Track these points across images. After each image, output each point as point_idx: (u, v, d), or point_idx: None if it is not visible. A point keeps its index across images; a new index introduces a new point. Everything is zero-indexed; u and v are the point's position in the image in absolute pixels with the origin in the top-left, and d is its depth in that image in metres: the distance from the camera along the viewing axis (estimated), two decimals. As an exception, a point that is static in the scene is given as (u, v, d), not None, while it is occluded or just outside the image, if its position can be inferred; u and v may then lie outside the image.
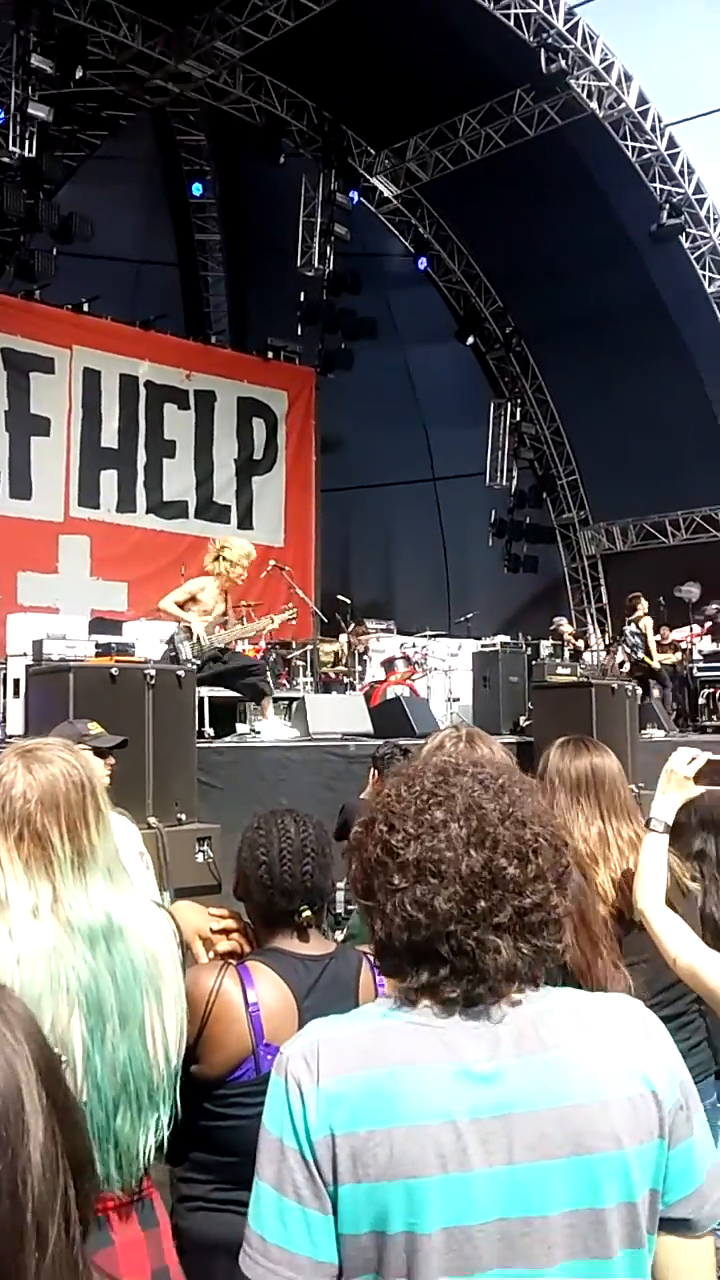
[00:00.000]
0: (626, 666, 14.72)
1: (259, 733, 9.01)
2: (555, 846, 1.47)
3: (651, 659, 14.34)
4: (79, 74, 13.74)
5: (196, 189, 19.37)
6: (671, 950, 2.64)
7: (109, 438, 17.09)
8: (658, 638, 15.68)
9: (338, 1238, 1.36)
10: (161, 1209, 2.25)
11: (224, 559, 8.69)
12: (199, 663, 8.33)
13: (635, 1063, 1.43)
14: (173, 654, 8.48)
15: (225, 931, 2.59)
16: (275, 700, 9.80)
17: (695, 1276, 1.46)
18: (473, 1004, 1.42)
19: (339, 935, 3.93)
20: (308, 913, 2.49)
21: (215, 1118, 2.35)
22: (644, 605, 14.60)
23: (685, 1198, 1.44)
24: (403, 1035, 1.41)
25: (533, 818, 1.47)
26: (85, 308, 16.54)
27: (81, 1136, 1.06)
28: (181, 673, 6.80)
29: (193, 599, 8.78)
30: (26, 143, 13.62)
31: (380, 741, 6.27)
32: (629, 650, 14.85)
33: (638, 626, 14.68)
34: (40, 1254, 0.95)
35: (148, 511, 17.56)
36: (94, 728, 4.34)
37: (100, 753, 4.10)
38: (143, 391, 17.49)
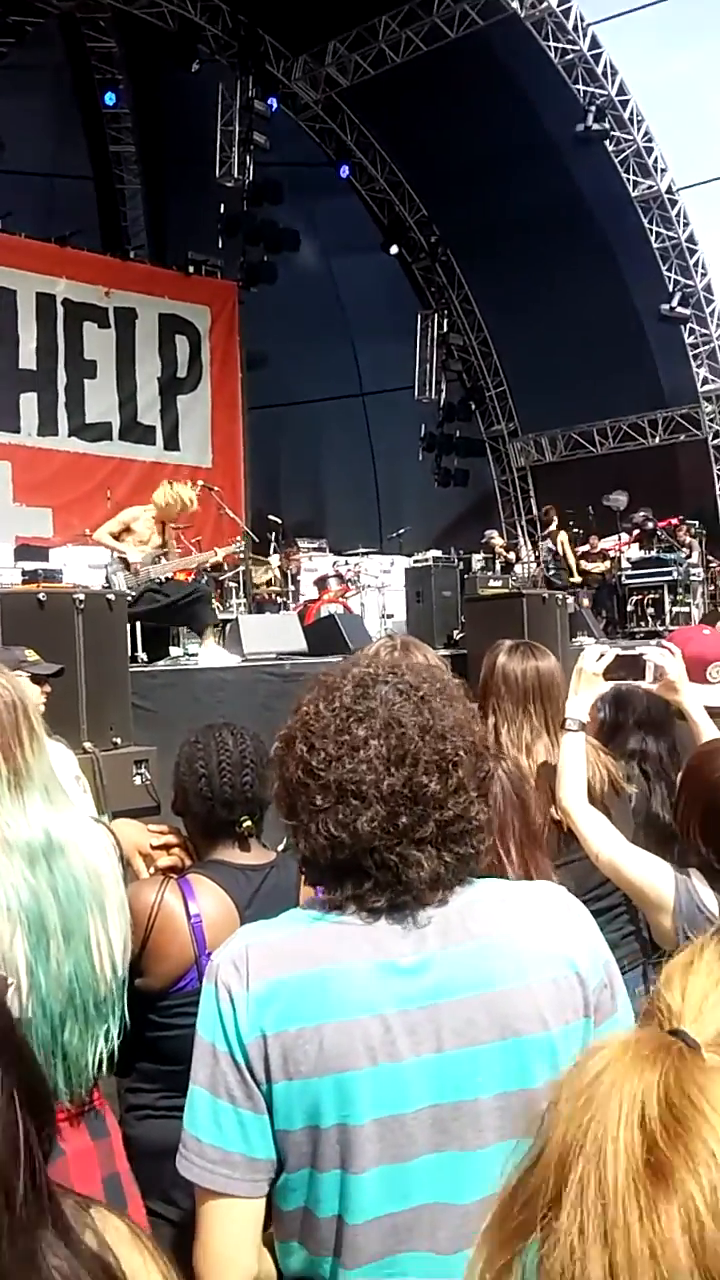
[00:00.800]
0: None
1: (195, 656, 8.98)
2: (476, 754, 1.48)
3: (572, 574, 14.28)
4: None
5: (109, 99, 18.67)
6: (594, 846, 2.70)
7: (26, 359, 16.65)
8: (585, 547, 15.81)
9: (274, 1135, 1.40)
10: (113, 1120, 2.31)
11: (166, 492, 8.57)
12: (134, 594, 8.24)
13: (559, 945, 1.47)
14: (106, 586, 8.38)
15: (165, 847, 2.61)
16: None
17: None
18: (398, 909, 1.45)
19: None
20: (248, 823, 2.53)
21: (160, 1028, 2.40)
22: (558, 519, 14.47)
23: None
24: (330, 936, 1.44)
25: (453, 729, 1.46)
26: (-2, 224, 16.02)
27: (32, 1070, 1.03)
28: (112, 596, 6.73)
29: (127, 529, 8.64)
30: None
31: (335, 659, 6.28)
32: (543, 569, 14.81)
33: (553, 543, 14.59)
34: (10, 1213, 0.92)
35: (70, 434, 17.21)
36: (30, 655, 4.30)
37: (37, 680, 4.09)
38: (60, 310, 17.04)
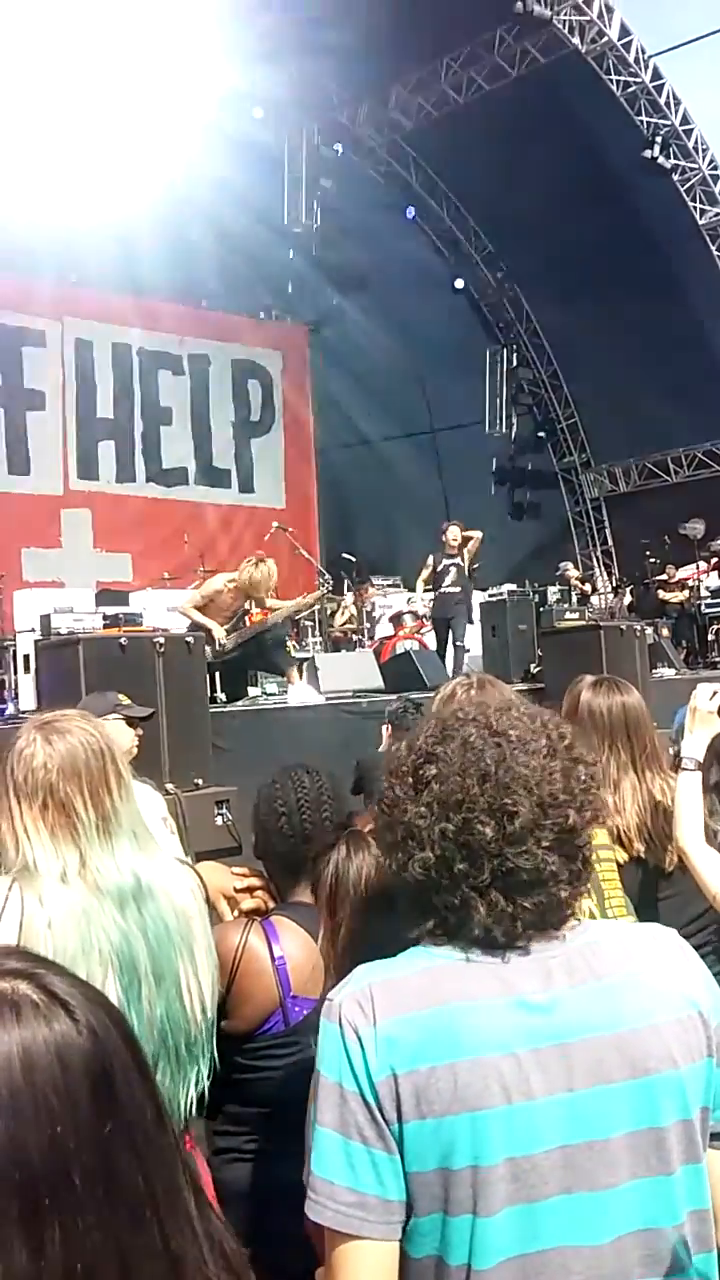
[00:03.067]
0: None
1: (273, 696, 9.03)
2: (552, 806, 1.46)
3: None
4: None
5: (179, 150, 19.14)
6: (713, 887, 2.69)
7: (104, 408, 17.05)
8: (663, 577, 15.65)
9: (405, 1176, 1.37)
10: (204, 1163, 2.30)
11: (248, 573, 8.47)
12: (217, 659, 8.36)
13: (680, 986, 1.48)
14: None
15: (248, 889, 2.63)
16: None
17: None
18: (506, 943, 1.44)
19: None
20: None
21: (246, 1070, 2.41)
22: (452, 532, 12.29)
23: None
24: (455, 972, 1.44)
25: (519, 780, 1.45)
26: (73, 278, 16.43)
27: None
28: (191, 639, 6.84)
29: (211, 602, 8.67)
30: (3, 112, 13.47)
31: (393, 697, 6.30)
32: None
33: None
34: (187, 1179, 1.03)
35: (148, 480, 17.55)
36: (124, 699, 4.41)
37: (131, 722, 4.20)
38: (136, 359, 17.43)
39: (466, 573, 12.18)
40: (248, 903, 2.60)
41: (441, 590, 11.98)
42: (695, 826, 2.81)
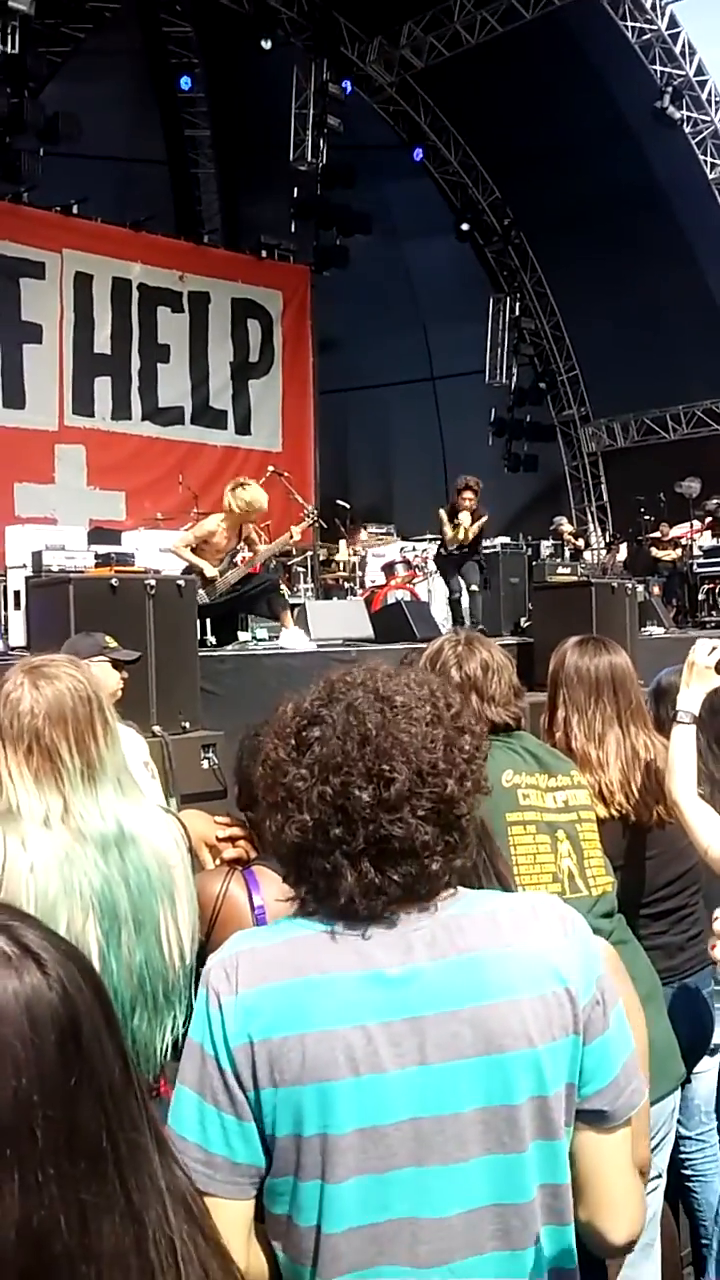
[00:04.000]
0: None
1: (264, 641, 9.02)
2: (432, 773, 1.45)
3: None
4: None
5: (185, 83, 18.77)
6: (703, 841, 2.70)
7: (102, 343, 16.84)
8: (656, 534, 15.66)
9: (262, 1140, 1.42)
10: None
11: (237, 497, 8.42)
12: (211, 602, 8.33)
13: (549, 960, 1.46)
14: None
15: (231, 839, 2.63)
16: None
17: (612, 1165, 1.53)
18: (369, 916, 1.44)
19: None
20: None
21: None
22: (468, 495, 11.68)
23: (601, 1090, 1.48)
24: (318, 944, 1.45)
25: (398, 746, 1.44)
26: (74, 209, 16.17)
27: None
28: (182, 582, 6.83)
29: (205, 542, 8.60)
30: (8, 38, 13.21)
31: (401, 647, 6.28)
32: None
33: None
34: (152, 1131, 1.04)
35: (143, 418, 17.37)
36: (110, 642, 4.41)
37: (117, 665, 4.20)
38: (135, 295, 17.18)
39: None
40: (229, 852, 2.60)
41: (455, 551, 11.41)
42: (688, 779, 2.82)
